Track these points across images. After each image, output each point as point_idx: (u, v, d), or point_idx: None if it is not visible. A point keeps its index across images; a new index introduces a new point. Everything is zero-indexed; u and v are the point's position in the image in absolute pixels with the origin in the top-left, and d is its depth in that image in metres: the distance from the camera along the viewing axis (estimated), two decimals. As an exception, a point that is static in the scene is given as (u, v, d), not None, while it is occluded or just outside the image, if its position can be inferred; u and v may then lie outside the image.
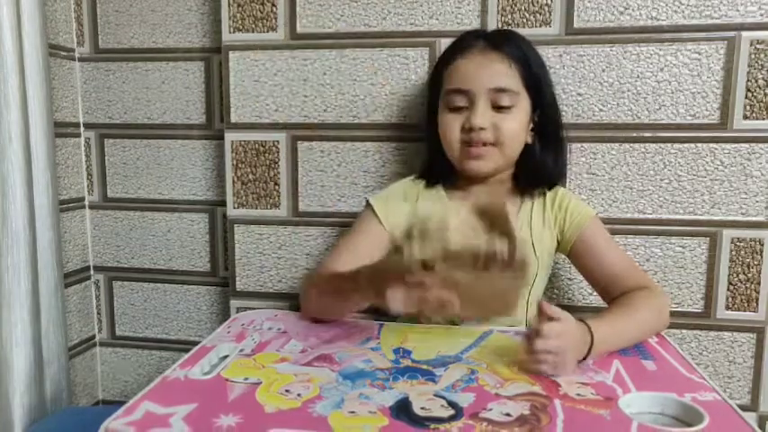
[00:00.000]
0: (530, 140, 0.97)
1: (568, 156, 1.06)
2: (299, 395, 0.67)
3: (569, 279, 1.14)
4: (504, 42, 0.94)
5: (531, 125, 0.97)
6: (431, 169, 1.03)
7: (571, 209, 0.98)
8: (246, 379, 0.72)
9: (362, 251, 0.97)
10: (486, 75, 0.92)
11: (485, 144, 0.93)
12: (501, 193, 1.00)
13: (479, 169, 0.95)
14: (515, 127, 0.93)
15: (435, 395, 0.67)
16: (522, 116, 0.94)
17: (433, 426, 0.60)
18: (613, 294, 0.93)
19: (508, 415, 0.63)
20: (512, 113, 0.93)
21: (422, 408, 0.64)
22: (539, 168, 0.98)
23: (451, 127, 0.94)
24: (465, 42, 0.96)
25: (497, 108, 0.92)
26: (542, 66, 0.98)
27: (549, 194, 1.00)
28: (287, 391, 0.68)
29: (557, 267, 1.13)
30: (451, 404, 0.65)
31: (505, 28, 1.03)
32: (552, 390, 0.69)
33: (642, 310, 0.87)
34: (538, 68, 0.95)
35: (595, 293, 1.11)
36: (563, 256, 1.03)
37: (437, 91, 0.98)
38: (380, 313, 1.18)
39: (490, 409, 0.64)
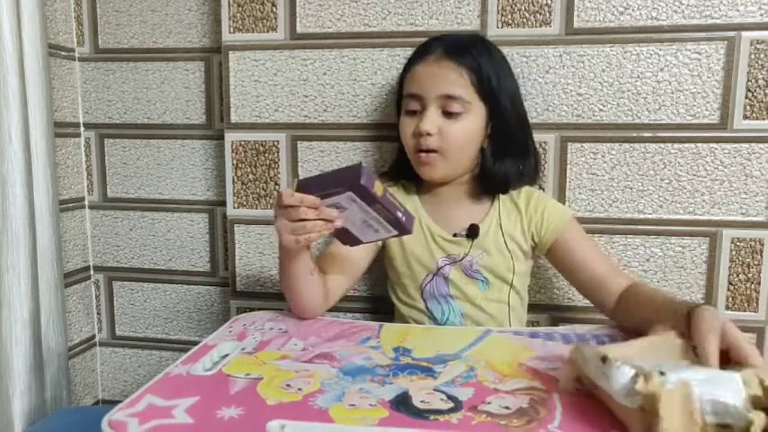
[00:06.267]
0: (485, 146, 0.98)
1: (542, 158, 1.09)
2: (299, 389, 0.68)
3: (569, 279, 1.14)
4: (461, 51, 0.94)
5: (489, 131, 0.98)
6: (397, 168, 1.07)
7: (548, 211, 1.00)
8: (248, 375, 0.72)
9: (343, 252, 0.97)
10: (437, 82, 0.94)
11: (431, 151, 0.95)
12: (469, 191, 1.02)
13: (430, 175, 0.98)
14: (461, 133, 0.94)
15: (435, 390, 0.68)
16: (471, 123, 0.95)
17: (432, 417, 0.61)
18: (598, 292, 0.95)
19: (507, 408, 0.63)
20: (460, 120, 0.94)
21: (421, 401, 0.65)
22: (492, 173, 0.99)
23: (406, 131, 0.97)
24: (425, 48, 0.97)
25: (447, 114, 0.94)
26: (504, 76, 0.97)
27: (523, 195, 1.02)
28: (288, 385, 0.69)
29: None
30: (451, 398, 0.66)
31: (472, 33, 1.04)
32: (551, 385, 0.70)
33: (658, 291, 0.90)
34: (495, 78, 0.95)
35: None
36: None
37: (399, 93, 1.02)
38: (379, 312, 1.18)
39: (489, 403, 0.65)
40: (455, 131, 0.94)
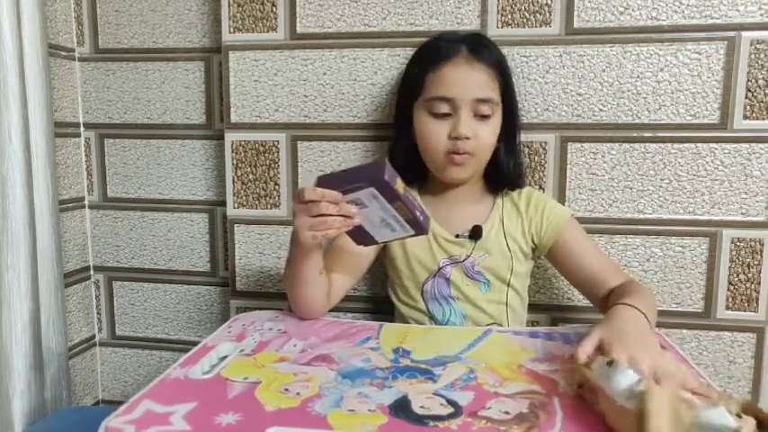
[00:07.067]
0: (498, 144, 0.99)
1: (527, 158, 1.11)
2: (298, 394, 0.67)
3: (569, 279, 1.14)
4: (485, 51, 0.96)
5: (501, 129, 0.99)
6: (402, 170, 1.03)
7: (548, 211, 1.01)
8: (246, 378, 0.72)
9: (350, 248, 0.96)
10: (471, 85, 0.93)
11: (466, 153, 0.94)
12: (473, 192, 1.02)
13: (460, 176, 0.98)
14: (491, 135, 0.96)
15: (434, 394, 0.68)
16: (496, 123, 0.97)
17: (432, 423, 0.61)
18: (598, 292, 0.96)
19: (507, 413, 0.63)
20: (489, 122, 0.95)
21: (421, 406, 0.64)
22: (504, 171, 1.01)
23: (437, 134, 0.95)
24: (448, 49, 0.95)
25: (478, 116, 0.94)
26: (511, 74, 1.00)
27: (524, 196, 1.03)
28: (286, 389, 0.69)
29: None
30: (451, 402, 0.65)
31: (476, 31, 1.06)
32: (551, 388, 0.69)
33: (644, 292, 0.89)
34: (510, 78, 0.98)
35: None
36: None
37: (413, 94, 0.98)
38: (381, 312, 1.18)
39: (489, 408, 0.64)
40: (486, 134, 0.95)
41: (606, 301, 0.93)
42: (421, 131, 0.97)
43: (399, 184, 0.76)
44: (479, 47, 0.96)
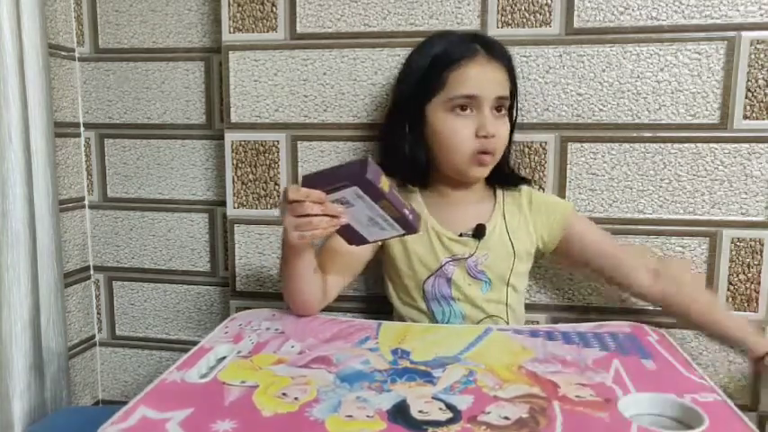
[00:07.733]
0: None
1: (527, 158, 1.13)
2: (296, 398, 0.67)
3: (569, 279, 1.14)
4: (500, 51, 0.98)
5: None
6: (405, 170, 1.01)
7: (551, 207, 1.02)
8: (243, 382, 0.71)
9: (342, 249, 0.95)
10: (493, 83, 0.95)
11: (491, 152, 0.96)
12: (475, 191, 1.03)
13: (482, 175, 0.99)
14: (507, 133, 0.98)
15: (433, 398, 0.67)
16: (508, 122, 0.99)
17: (431, 430, 0.60)
18: (622, 271, 1.01)
19: (506, 418, 0.62)
20: (505, 120, 0.98)
21: (420, 411, 0.64)
22: (508, 169, 1.04)
23: (463, 134, 0.94)
24: (466, 47, 0.95)
25: (494, 115, 0.95)
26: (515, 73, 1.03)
27: (524, 196, 1.03)
28: (284, 394, 0.68)
29: (557, 267, 1.13)
30: (450, 407, 0.65)
31: (475, 31, 1.07)
32: (551, 391, 0.69)
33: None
34: (515, 76, 1.01)
35: (595, 293, 1.12)
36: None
37: (428, 93, 0.96)
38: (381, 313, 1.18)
39: (488, 413, 0.63)
40: (505, 131, 0.97)
41: (661, 287, 1.00)
42: (442, 131, 0.95)
43: (384, 183, 0.74)
44: (491, 45, 0.97)
